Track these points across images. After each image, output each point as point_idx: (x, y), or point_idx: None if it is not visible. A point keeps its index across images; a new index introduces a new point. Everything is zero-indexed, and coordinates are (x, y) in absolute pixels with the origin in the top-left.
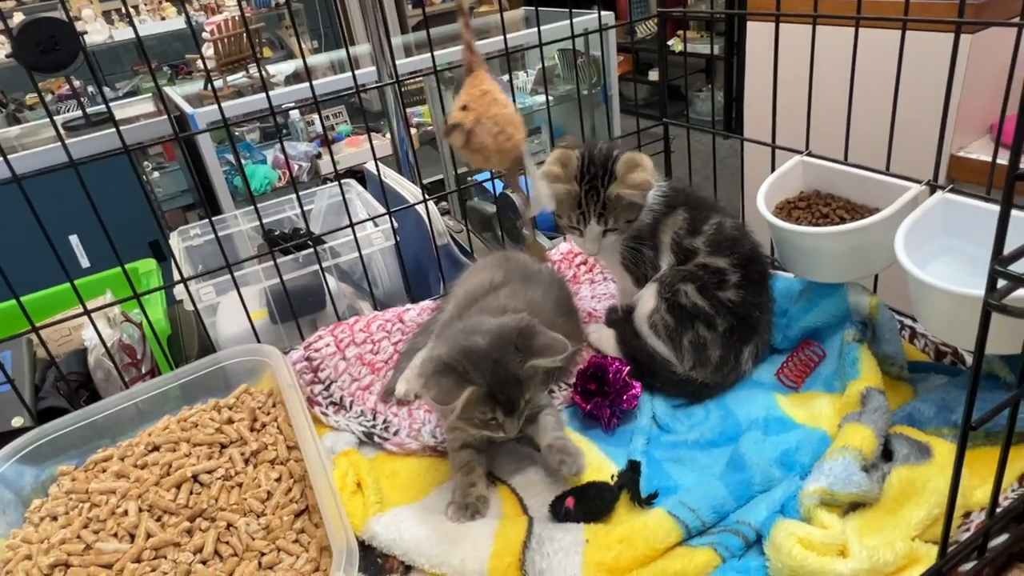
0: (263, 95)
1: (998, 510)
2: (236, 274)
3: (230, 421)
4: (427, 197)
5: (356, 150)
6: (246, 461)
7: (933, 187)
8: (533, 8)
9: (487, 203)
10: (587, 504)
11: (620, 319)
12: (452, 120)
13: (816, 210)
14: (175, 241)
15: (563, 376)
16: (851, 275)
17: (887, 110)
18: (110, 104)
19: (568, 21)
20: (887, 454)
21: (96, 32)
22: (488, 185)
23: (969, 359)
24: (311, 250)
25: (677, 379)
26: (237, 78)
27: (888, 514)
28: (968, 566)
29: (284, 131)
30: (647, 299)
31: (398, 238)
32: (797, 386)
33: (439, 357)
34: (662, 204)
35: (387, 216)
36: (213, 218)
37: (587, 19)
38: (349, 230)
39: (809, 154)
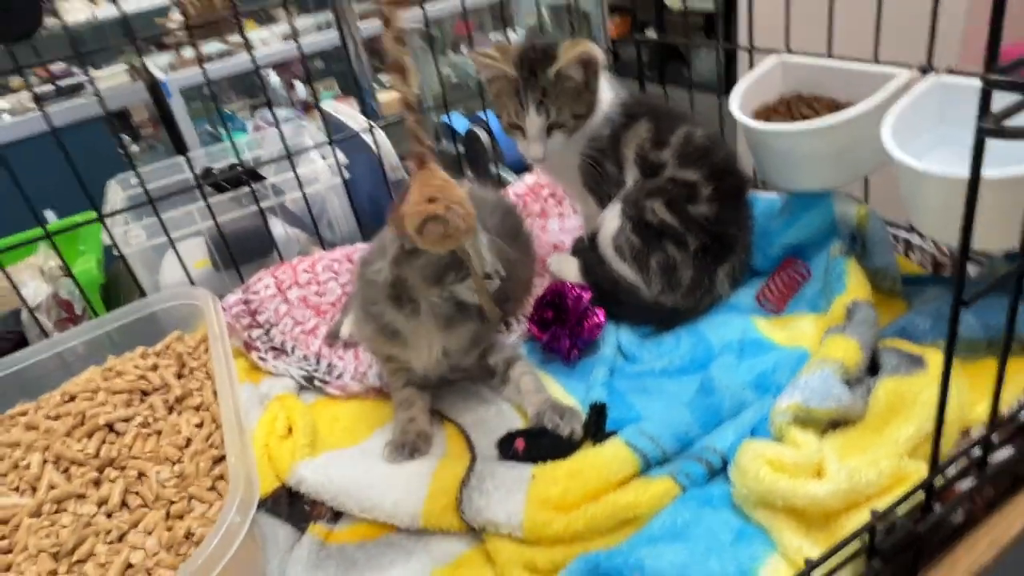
0: (238, 59)
1: (1004, 420)
2: (174, 217)
3: (155, 368)
4: (373, 124)
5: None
6: (170, 409)
7: (927, 72)
8: None
9: (452, 143)
10: (538, 452)
11: (585, 247)
12: (426, 213)
13: (797, 113)
14: (114, 190)
15: (518, 307)
16: (836, 180)
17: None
18: (80, 75)
19: None
20: (874, 370)
21: (78, 11)
22: (455, 124)
23: (969, 266)
24: (251, 189)
25: (645, 305)
26: (212, 45)
27: (873, 432)
28: (966, 484)
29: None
30: (611, 220)
31: (345, 173)
32: (779, 309)
33: None
34: (621, 114)
35: (333, 150)
36: (159, 164)
37: None
38: (292, 167)
39: (788, 51)
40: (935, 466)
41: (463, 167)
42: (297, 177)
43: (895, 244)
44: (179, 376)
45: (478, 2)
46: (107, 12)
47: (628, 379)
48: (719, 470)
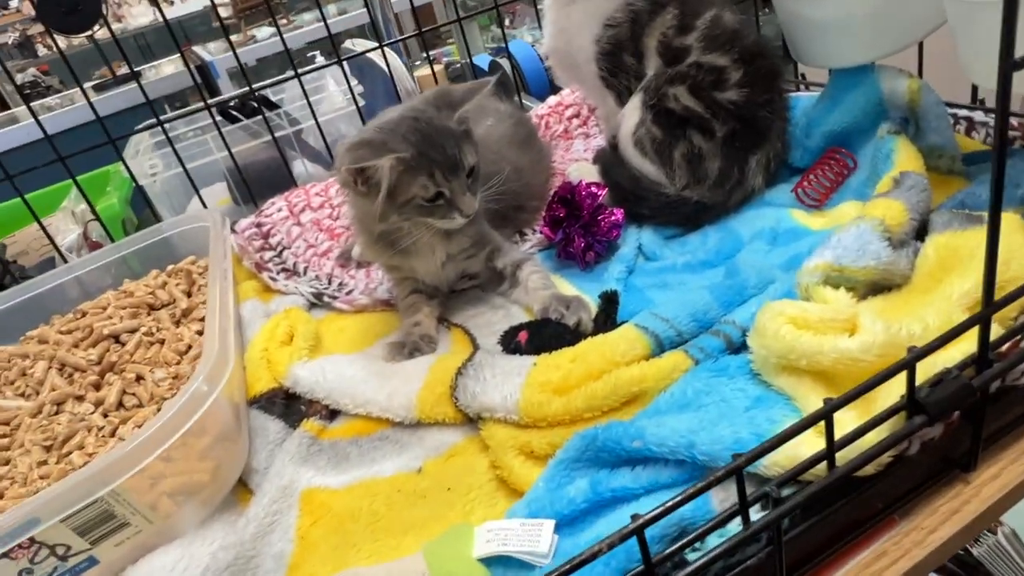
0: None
1: None
2: (189, 147)
3: (164, 286)
4: (385, 43)
5: None
6: (176, 321)
7: None
8: None
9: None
10: (541, 343)
11: (607, 153)
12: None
13: None
14: (140, 136)
15: (532, 217)
16: (880, 49)
17: None
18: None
19: None
20: (922, 235)
21: (141, 15)
22: (476, 62)
23: None
24: (263, 116)
25: (668, 201)
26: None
27: (921, 293)
28: None
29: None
30: (631, 113)
31: (360, 99)
32: (821, 203)
33: (354, 137)
34: (648, 2)
35: (343, 70)
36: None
37: None
38: (301, 85)
39: None
40: (988, 303)
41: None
42: (308, 101)
43: (955, 123)
44: (188, 294)
45: None
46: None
47: (647, 275)
48: (738, 345)
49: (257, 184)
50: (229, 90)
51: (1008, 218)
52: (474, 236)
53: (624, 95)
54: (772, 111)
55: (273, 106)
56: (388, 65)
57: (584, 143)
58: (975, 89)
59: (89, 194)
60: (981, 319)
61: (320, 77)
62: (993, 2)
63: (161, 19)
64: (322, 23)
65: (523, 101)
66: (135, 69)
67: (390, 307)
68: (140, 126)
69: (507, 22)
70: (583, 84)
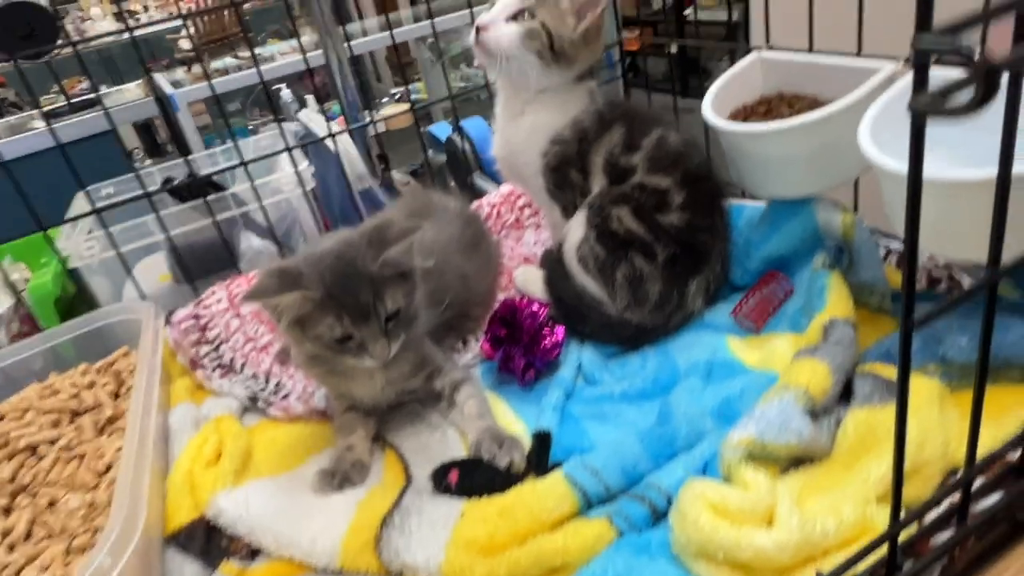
0: (248, 72)
1: (990, 459)
2: (132, 227)
3: (91, 386)
4: (335, 131)
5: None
6: (100, 430)
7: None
8: None
9: (438, 153)
10: (472, 485)
11: (553, 259)
12: None
13: (777, 114)
14: (81, 201)
15: (477, 324)
16: (816, 186)
17: None
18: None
19: None
20: (848, 397)
21: (104, 30)
22: (434, 131)
23: (966, 281)
24: (206, 202)
25: (610, 322)
26: (227, 60)
27: (840, 470)
28: (945, 535)
29: (278, 113)
30: (575, 228)
31: (311, 182)
32: (757, 327)
33: (276, 263)
34: (595, 123)
35: (291, 154)
36: (127, 176)
37: None
38: (248, 175)
39: (768, 47)
40: (896, 513)
41: (446, 177)
42: (253, 186)
43: (886, 255)
44: (116, 395)
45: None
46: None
47: (585, 403)
48: (663, 512)
49: (201, 262)
50: (190, 124)
51: (923, 386)
52: (415, 361)
53: (570, 208)
54: (714, 234)
55: (218, 187)
56: (339, 155)
57: (535, 234)
58: None
59: (26, 260)
60: (888, 537)
61: (277, 144)
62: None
63: (123, 38)
64: (293, 54)
65: (477, 181)
66: (97, 94)
67: (326, 417)
68: (72, 215)
69: (476, 62)
70: (530, 192)
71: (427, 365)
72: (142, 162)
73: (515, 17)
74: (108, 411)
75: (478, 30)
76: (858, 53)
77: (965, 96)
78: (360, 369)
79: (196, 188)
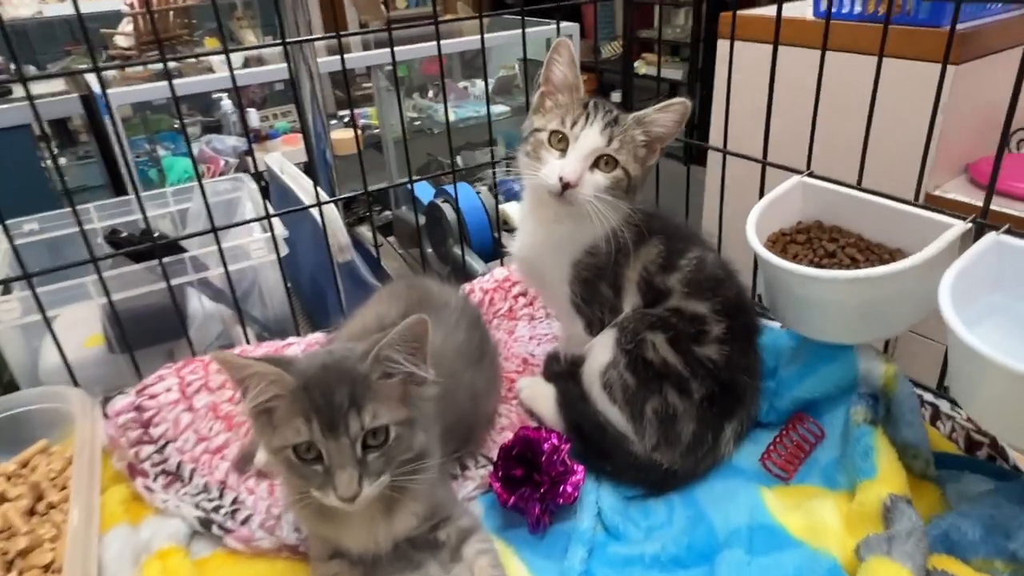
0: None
1: None
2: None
3: (2, 500)
4: (323, 200)
5: (292, 148)
6: (10, 564)
7: (980, 226)
8: (499, 14)
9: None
10: None
11: (563, 372)
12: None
13: (819, 247)
14: None
15: (475, 444)
16: (865, 335)
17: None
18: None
19: (530, 29)
20: None
21: (24, 6)
22: (418, 191)
23: (1013, 455)
24: (160, 264)
25: (637, 463)
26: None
27: None
28: None
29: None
30: (602, 349)
31: (284, 249)
32: (788, 476)
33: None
34: (632, 231)
35: (271, 221)
36: (57, 211)
37: (548, 29)
38: (217, 243)
39: (811, 174)
40: None
41: (421, 240)
42: (222, 254)
43: (920, 406)
44: (31, 512)
45: (450, 49)
46: (56, 10)
47: (611, 567)
48: None
49: (143, 329)
50: (119, 126)
51: None
52: (427, 513)
53: (595, 325)
54: (750, 375)
55: (177, 248)
56: (324, 225)
57: (529, 326)
58: (942, 374)
59: None
60: None
61: (236, 188)
62: (1006, 368)
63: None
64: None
65: (467, 259)
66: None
67: (298, 554)
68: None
69: (430, 93)
70: (550, 301)
71: (437, 515)
72: (56, 159)
73: (596, 163)
74: (21, 542)
75: (566, 186)
76: (915, 200)
77: None
78: (353, 519)
79: (148, 247)
